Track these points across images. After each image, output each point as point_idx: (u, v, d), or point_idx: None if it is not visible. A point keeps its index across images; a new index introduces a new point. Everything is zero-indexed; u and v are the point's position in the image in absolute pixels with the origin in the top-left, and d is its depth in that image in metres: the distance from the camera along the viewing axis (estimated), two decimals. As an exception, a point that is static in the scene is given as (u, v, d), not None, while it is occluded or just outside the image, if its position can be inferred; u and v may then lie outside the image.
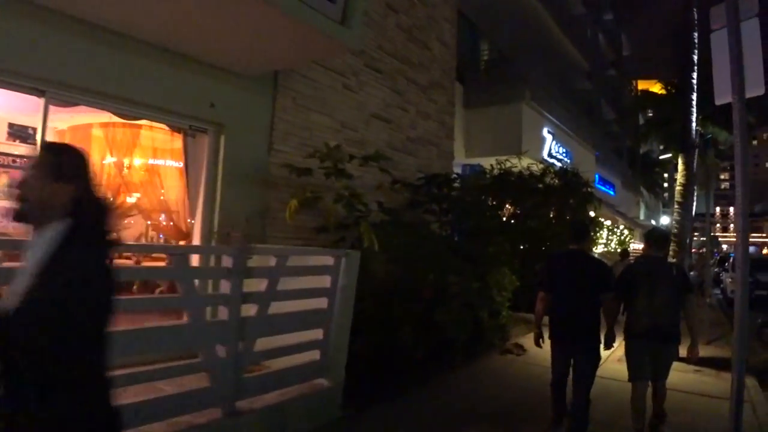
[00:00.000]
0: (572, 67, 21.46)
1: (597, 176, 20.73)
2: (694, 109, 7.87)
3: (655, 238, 4.71)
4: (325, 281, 4.52)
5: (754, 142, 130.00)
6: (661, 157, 20.62)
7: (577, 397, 4.24)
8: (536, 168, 11.44)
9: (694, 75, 7.89)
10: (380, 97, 7.86)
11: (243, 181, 5.88)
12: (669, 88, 15.29)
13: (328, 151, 5.76)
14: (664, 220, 39.12)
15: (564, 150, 15.97)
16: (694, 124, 7.88)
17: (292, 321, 4.24)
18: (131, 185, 7.81)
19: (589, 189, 11.40)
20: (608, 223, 19.12)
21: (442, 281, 6.22)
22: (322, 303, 4.50)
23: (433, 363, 6.18)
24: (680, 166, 7.90)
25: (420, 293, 5.92)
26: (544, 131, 14.86)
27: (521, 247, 10.71)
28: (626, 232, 20.16)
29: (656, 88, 26.92)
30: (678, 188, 7.90)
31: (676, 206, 7.82)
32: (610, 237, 18.13)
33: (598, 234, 14.26)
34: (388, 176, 7.53)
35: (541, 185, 11.10)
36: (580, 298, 4.26)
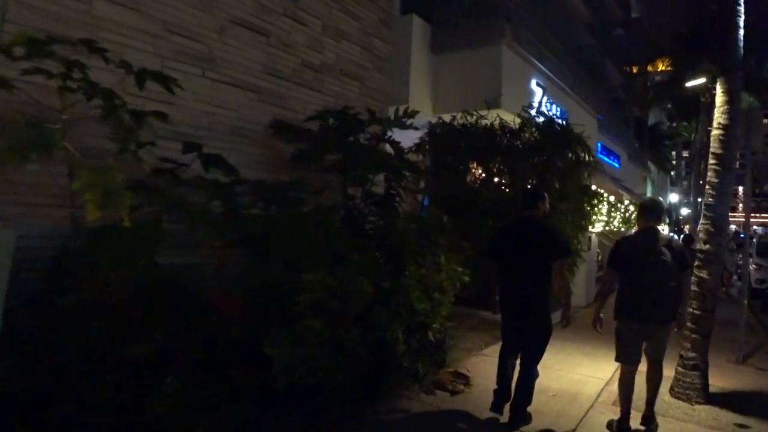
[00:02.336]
0: (571, 16, 18.47)
1: (599, 145, 17.94)
2: (742, 7, 5.03)
3: (650, 207, 4.26)
4: None
5: (765, 121, 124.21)
6: (689, 84, 17.35)
7: (522, 373, 4.13)
8: (513, 123, 8.71)
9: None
10: (250, -6, 5.11)
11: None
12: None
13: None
14: (673, 198, 36.41)
15: (558, 109, 13.17)
16: (741, 32, 5.04)
17: None
18: None
19: (585, 153, 8.59)
20: (612, 198, 16.30)
21: (288, 284, 3.55)
22: None
23: (285, 422, 3.53)
24: (719, 98, 5.03)
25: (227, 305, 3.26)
26: (533, 83, 12.04)
27: (488, 223, 8.04)
28: (632, 208, 17.36)
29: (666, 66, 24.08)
30: (715, 132, 5.03)
31: (711, 160, 5.03)
32: (612, 213, 15.35)
33: (597, 209, 11.49)
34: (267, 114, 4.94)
35: (518, 142, 8.36)
36: (527, 267, 4.08)
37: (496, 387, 4.29)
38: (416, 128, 5.24)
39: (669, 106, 31.24)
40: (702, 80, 15.00)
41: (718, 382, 5.34)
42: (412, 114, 5.15)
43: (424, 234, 4.90)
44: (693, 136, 25.39)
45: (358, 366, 3.93)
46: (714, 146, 5.00)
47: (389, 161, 5.03)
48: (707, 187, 5.04)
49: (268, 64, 5.30)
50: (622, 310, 4.06)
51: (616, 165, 21.28)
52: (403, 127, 5.11)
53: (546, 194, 4.49)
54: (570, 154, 8.15)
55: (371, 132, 5.38)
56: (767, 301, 11.65)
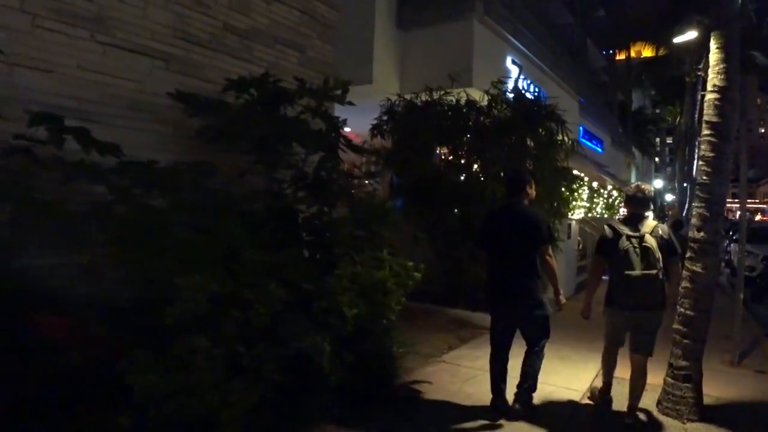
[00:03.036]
0: (549, -6, 17.68)
1: (581, 129, 17.25)
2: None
3: (635, 195, 4.07)
4: None
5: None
6: (677, 40, 16.42)
7: (529, 354, 4.03)
8: (480, 99, 7.92)
9: None
10: (151, -60, 4.26)
11: None
12: None
13: None
14: (657, 184, 35.90)
15: (537, 89, 12.39)
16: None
17: None
18: None
19: (559, 129, 7.80)
20: (595, 184, 15.62)
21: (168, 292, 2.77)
22: None
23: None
24: (714, 56, 4.23)
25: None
26: (508, 61, 11.29)
27: (455, 210, 7.32)
28: (615, 193, 16.70)
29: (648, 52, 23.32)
30: (709, 97, 4.23)
31: (705, 131, 4.26)
32: (595, 199, 14.67)
33: (577, 193, 10.77)
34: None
35: (487, 120, 7.60)
36: (518, 256, 4.00)
37: (492, 396, 4.10)
38: (351, 103, 4.43)
39: (653, 92, 30.70)
40: (693, 34, 14.13)
41: (712, 390, 4.58)
42: (346, 85, 4.35)
43: (363, 224, 4.13)
44: (677, 120, 24.81)
45: (269, 388, 3.16)
46: (708, 113, 4.19)
47: (318, 137, 4.22)
48: (701, 163, 4.23)
49: (179, 27, 4.45)
50: (609, 298, 3.99)
51: (599, 150, 20.65)
52: (334, 100, 4.31)
53: (532, 179, 4.34)
54: (542, 131, 7.40)
55: (304, 105, 4.57)
56: (758, 289, 11.04)
